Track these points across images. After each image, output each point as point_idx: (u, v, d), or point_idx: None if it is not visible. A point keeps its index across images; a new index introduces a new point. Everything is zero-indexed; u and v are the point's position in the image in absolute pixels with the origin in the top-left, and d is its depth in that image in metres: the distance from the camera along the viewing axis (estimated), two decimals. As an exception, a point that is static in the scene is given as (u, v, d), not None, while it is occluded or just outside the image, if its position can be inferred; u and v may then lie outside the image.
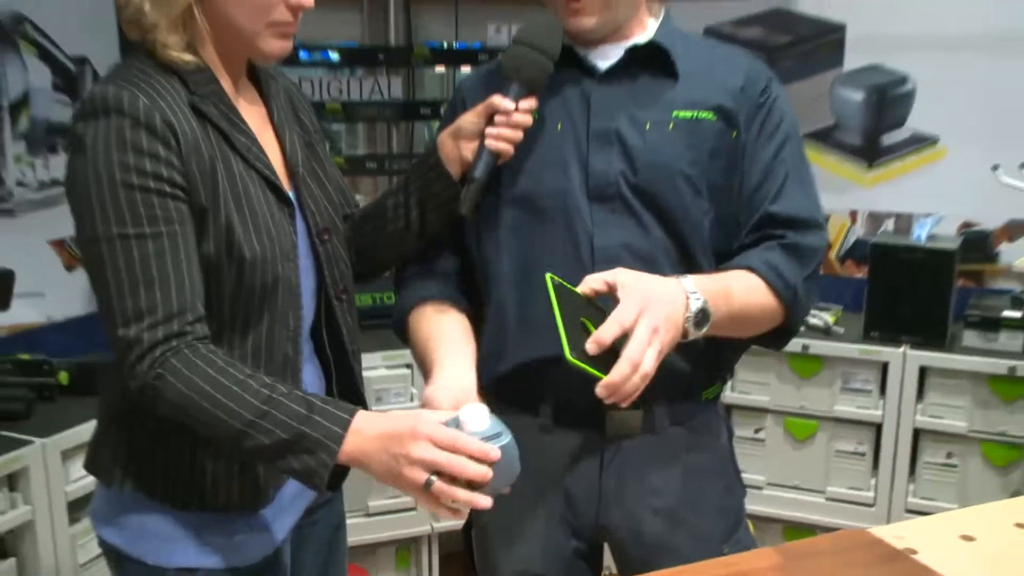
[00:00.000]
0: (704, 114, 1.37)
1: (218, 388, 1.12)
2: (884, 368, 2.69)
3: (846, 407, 2.74)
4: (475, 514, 1.56)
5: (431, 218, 1.42)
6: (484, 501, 1.10)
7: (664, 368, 1.31)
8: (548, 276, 1.19)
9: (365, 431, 1.12)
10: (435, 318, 1.43)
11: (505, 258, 1.41)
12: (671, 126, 1.36)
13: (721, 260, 1.40)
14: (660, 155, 1.35)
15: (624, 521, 1.43)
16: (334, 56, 2.83)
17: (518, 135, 1.33)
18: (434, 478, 1.07)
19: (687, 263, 1.37)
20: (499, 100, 1.33)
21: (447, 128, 1.41)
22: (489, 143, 1.32)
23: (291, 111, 1.37)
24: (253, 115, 1.28)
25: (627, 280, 1.23)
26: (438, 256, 1.49)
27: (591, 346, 1.16)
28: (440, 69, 2.98)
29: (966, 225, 2.92)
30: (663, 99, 1.38)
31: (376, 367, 2.60)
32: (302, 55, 2.78)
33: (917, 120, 2.94)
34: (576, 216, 1.36)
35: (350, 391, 1.41)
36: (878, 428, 2.71)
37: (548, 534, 1.46)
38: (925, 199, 2.95)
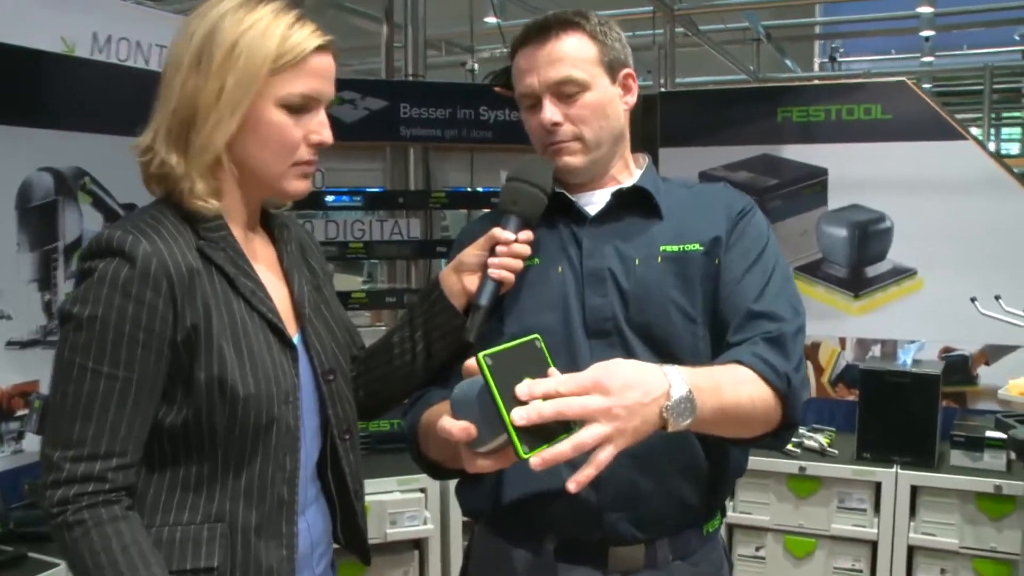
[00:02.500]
0: (691, 246, 1.43)
1: (110, 564, 1.14)
2: (877, 487, 2.81)
3: (842, 525, 2.86)
4: None
5: (437, 348, 1.45)
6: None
7: (666, 501, 1.38)
8: (480, 356, 1.09)
9: None
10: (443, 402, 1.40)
11: None
12: (659, 259, 1.42)
13: None
14: (650, 288, 1.40)
15: None
16: (358, 199, 3.07)
17: (518, 264, 1.39)
18: None
19: None
20: (499, 232, 1.39)
21: (449, 264, 1.47)
22: (492, 272, 1.38)
23: (301, 256, 1.42)
24: (263, 259, 1.33)
25: (601, 363, 1.17)
26: (443, 383, 1.48)
27: (520, 387, 1.08)
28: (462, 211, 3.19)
29: (946, 350, 3.12)
30: (649, 237, 1.44)
31: (391, 491, 2.69)
32: (330, 199, 3.02)
33: (896, 253, 3.18)
34: (577, 351, 1.39)
35: (352, 530, 1.43)
36: (874, 545, 2.82)
37: None
38: (907, 326, 3.15)
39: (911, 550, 2.79)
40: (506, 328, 1.44)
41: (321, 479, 1.40)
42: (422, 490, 2.73)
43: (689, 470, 1.41)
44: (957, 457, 2.82)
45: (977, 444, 2.79)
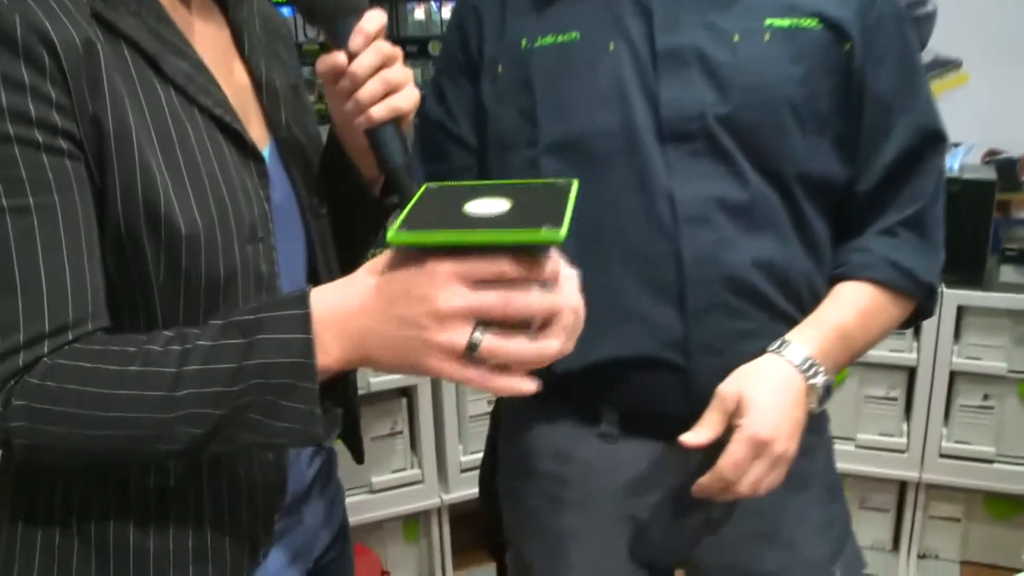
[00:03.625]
0: (807, 22, 1.10)
1: (105, 380, 0.75)
2: (919, 310, 2.53)
3: (878, 351, 2.45)
4: (515, 549, 1.31)
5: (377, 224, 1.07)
6: (556, 345, 0.74)
7: (747, 332, 1.13)
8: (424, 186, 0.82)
9: (338, 312, 0.75)
10: None
11: None
12: (767, 37, 1.09)
13: (832, 200, 1.17)
14: (759, 76, 1.08)
15: (711, 549, 1.20)
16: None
17: (397, 77, 0.88)
18: (480, 336, 0.71)
19: (792, 216, 1.13)
20: (325, 61, 0.88)
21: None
22: (369, 117, 0.88)
23: (268, 43, 1.01)
24: (209, 42, 0.92)
25: (732, 403, 1.06)
26: None
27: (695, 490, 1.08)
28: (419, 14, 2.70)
29: (990, 153, 2.77)
30: (747, 3, 1.10)
31: None
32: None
33: (939, 43, 2.76)
34: (646, 163, 1.09)
35: (346, 422, 1.07)
36: (911, 371, 2.56)
37: (616, 572, 1.23)
38: (951, 126, 2.76)
39: (952, 375, 2.53)
40: (542, 133, 1.11)
41: None
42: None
43: (791, 315, 1.15)
44: (1008, 273, 2.52)
45: (1032, 258, 2.48)
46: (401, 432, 2.43)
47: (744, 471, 1.04)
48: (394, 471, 2.44)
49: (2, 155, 0.74)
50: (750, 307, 1.11)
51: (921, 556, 2.67)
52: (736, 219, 1.10)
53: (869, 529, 2.68)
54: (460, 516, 2.64)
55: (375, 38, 0.86)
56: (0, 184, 0.74)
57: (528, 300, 0.71)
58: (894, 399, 2.58)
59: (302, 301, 0.75)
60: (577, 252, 1.08)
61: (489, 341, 0.71)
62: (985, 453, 2.52)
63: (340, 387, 1.04)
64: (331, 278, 0.96)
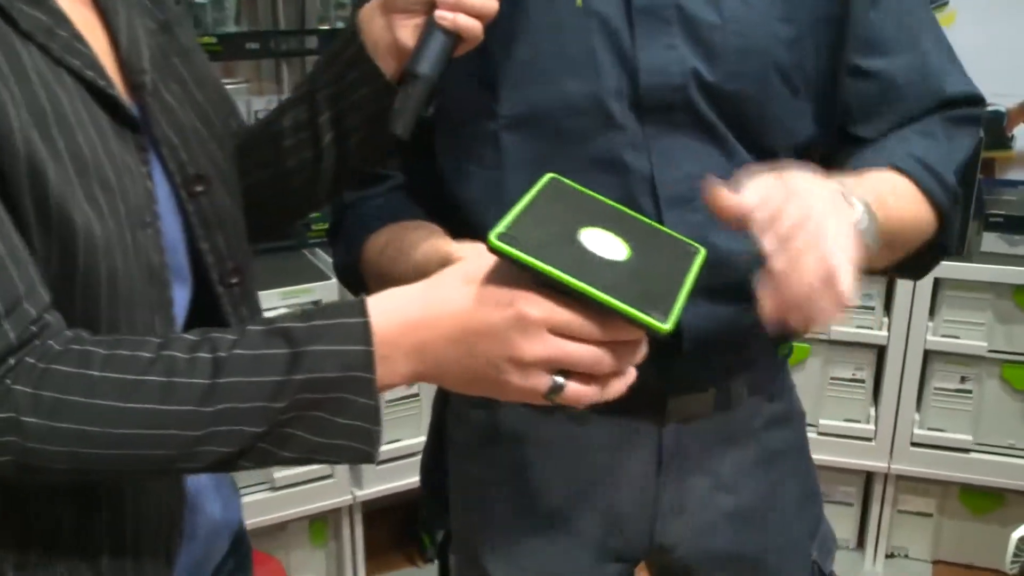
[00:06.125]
0: None
1: (121, 391, 0.70)
2: (890, 281, 2.33)
3: (844, 327, 2.40)
4: (464, 545, 1.22)
5: (353, 142, 0.97)
6: (633, 375, 0.76)
7: (752, 334, 1.02)
8: (549, 176, 0.83)
9: (410, 327, 0.73)
10: (400, 231, 1.04)
11: None
12: None
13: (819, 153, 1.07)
14: (747, 38, 0.98)
15: (686, 534, 1.14)
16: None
17: (489, 2, 0.88)
18: (562, 380, 0.73)
19: None
20: None
21: None
22: (442, 16, 0.87)
23: None
24: None
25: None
26: (363, 189, 1.11)
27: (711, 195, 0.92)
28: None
29: (975, 105, 2.52)
30: None
31: (275, 307, 2.07)
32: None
33: (920, -22, 2.50)
34: (620, 140, 1.00)
35: None
36: (880, 350, 2.38)
37: (579, 566, 1.15)
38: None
39: (926, 355, 2.34)
40: (501, 106, 1.02)
41: None
42: (315, 303, 2.14)
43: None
44: (991, 242, 2.32)
45: (1019, 225, 2.28)
46: (303, 421, 2.19)
47: (772, 211, 0.81)
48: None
49: None
50: (738, 289, 0.98)
51: (889, 555, 2.54)
52: None
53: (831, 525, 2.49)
54: (373, 514, 2.44)
55: None
56: None
57: (619, 361, 0.73)
58: (861, 381, 2.43)
59: (360, 309, 0.73)
60: None
61: (571, 388, 0.73)
62: (961, 442, 2.36)
63: None
64: (220, 265, 0.91)
